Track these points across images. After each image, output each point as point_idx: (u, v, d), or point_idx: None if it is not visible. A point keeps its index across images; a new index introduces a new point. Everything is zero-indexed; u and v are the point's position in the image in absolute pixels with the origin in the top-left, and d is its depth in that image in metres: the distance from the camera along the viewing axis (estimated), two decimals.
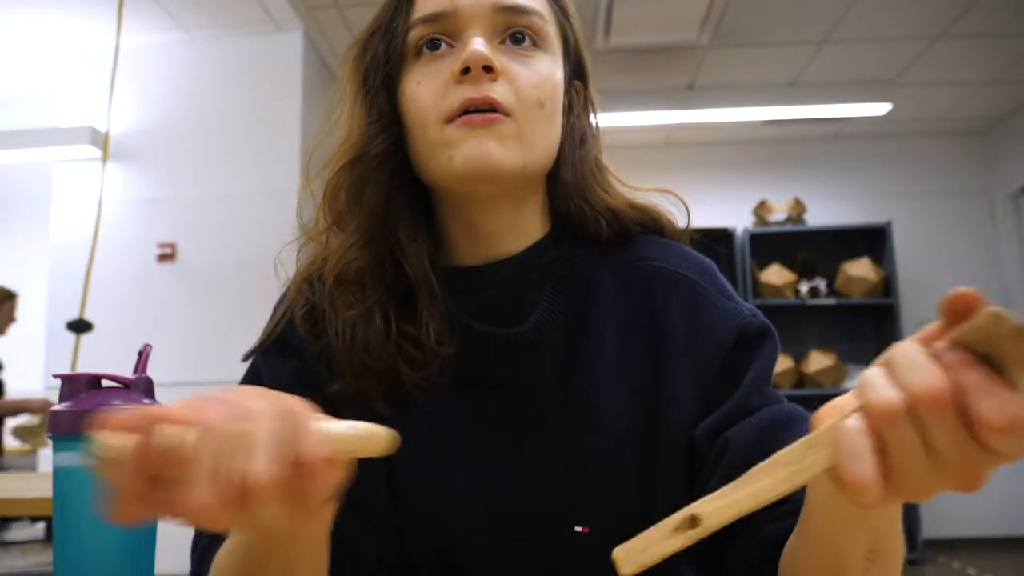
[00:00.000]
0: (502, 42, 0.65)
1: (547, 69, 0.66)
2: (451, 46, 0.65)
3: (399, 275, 0.67)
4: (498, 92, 0.62)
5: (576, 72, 0.74)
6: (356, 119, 0.69)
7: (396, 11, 0.68)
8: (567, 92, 0.71)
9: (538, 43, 0.66)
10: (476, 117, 0.62)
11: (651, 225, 0.75)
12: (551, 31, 0.68)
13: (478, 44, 0.62)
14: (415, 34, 0.66)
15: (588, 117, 0.76)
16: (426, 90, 0.64)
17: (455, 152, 0.62)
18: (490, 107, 0.62)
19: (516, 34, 0.65)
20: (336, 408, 0.67)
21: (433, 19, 0.65)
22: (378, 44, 0.69)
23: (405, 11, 0.67)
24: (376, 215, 0.67)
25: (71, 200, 3.72)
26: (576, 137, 0.72)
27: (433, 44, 0.65)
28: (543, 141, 0.66)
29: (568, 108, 0.71)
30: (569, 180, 0.71)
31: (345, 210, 0.69)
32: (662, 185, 0.76)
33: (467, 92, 0.62)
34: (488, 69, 0.62)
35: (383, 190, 0.67)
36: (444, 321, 0.66)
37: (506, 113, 0.62)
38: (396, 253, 0.67)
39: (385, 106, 0.68)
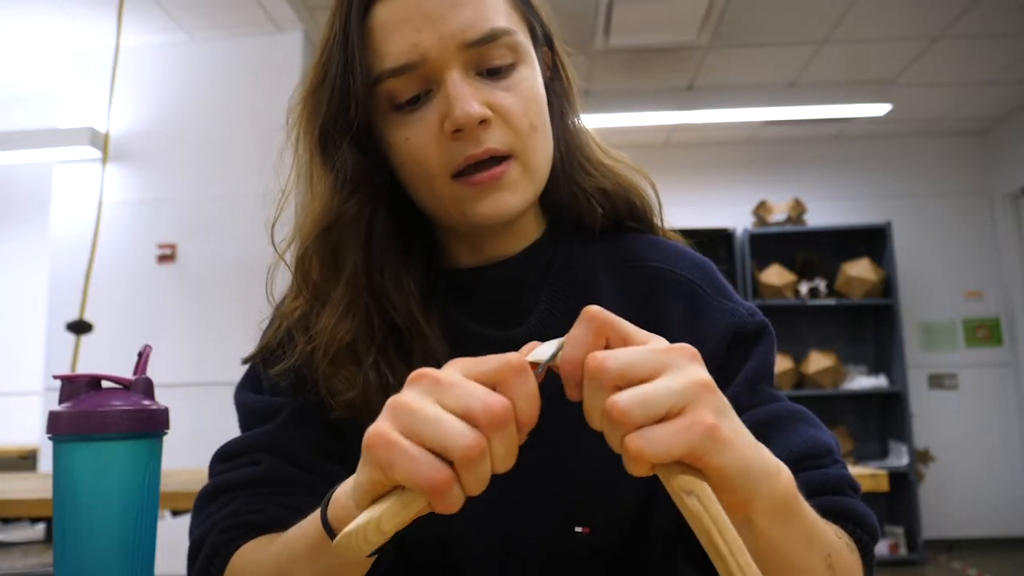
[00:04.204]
0: (479, 73, 0.62)
1: (528, 84, 0.64)
2: (429, 90, 0.62)
3: (391, 325, 0.65)
4: (495, 139, 0.61)
5: (544, 39, 0.70)
6: (320, 183, 0.67)
7: (346, 59, 0.62)
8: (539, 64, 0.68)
9: (514, 61, 0.63)
10: (483, 177, 0.61)
11: (640, 213, 0.75)
12: (521, 38, 0.64)
13: (464, 98, 0.59)
14: (386, 88, 0.62)
15: (560, 80, 0.73)
16: (419, 146, 0.62)
17: (468, 209, 0.62)
18: (491, 156, 0.61)
19: (492, 69, 0.62)
20: (337, 428, 0.67)
21: (402, 70, 0.61)
22: (331, 98, 0.64)
23: (360, 59, 0.62)
24: (356, 277, 0.65)
25: (71, 200, 3.72)
26: (557, 122, 0.71)
27: (412, 99, 0.62)
28: (544, 157, 0.66)
29: (547, 98, 0.68)
30: (559, 170, 0.70)
31: (321, 280, 0.66)
32: (647, 173, 0.76)
33: (467, 148, 0.61)
34: (481, 121, 0.60)
35: (360, 249, 0.65)
36: (443, 348, 0.66)
37: (508, 154, 0.62)
38: (384, 304, 0.65)
39: (353, 164, 0.65)
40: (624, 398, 0.39)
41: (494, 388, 0.42)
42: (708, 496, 0.39)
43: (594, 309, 0.43)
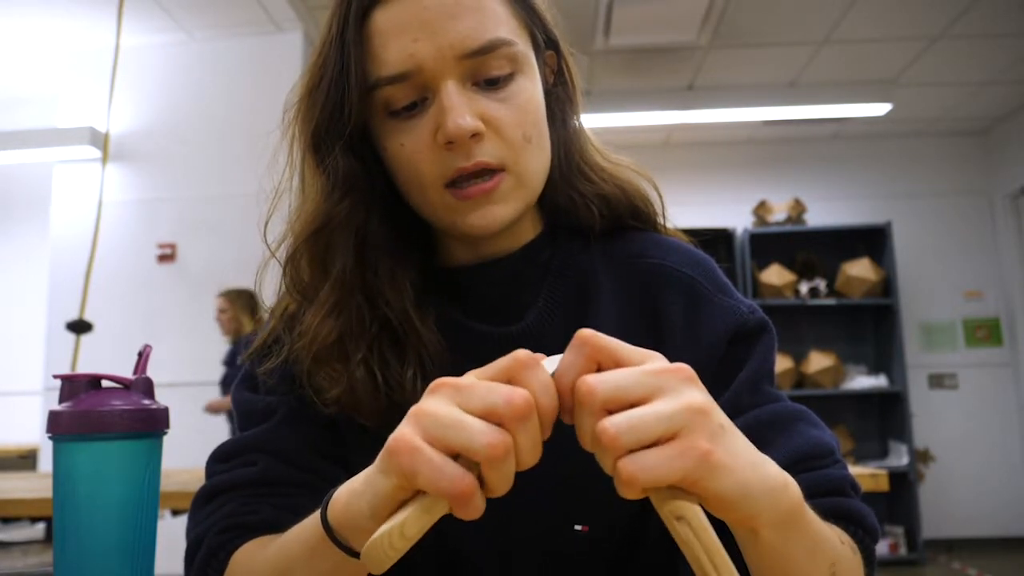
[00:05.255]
0: (476, 83, 0.62)
1: (526, 96, 0.63)
2: (425, 98, 0.61)
3: (385, 322, 0.65)
4: (487, 152, 0.61)
5: (547, 43, 0.69)
6: (312, 185, 0.66)
7: (343, 64, 0.62)
8: (540, 71, 0.67)
9: (512, 71, 0.63)
10: (474, 190, 0.61)
11: (643, 214, 0.75)
12: (520, 48, 0.63)
13: (457, 110, 0.59)
14: (382, 94, 0.61)
15: (564, 84, 0.72)
16: (413, 153, 0.62)
17: (459, 219, 0.62)
18: (483, 169, 0.61)
19: (489, 80, 0.62)
20: (332, 426, 0.67)
21: (398, 79, 0.60)
22: (326, 102, 0.63)
23: (357, 65, 0.61)
24: (344, 278, 0.65)
25: (71, 200, 3.73)
26: (558, 128, 0.70)
27: (409, 105, 0.62)
28: (537, 168, 0.65)
29: (547, 103, 0.68)
30: (557, 175, 0.70)
31: (310, 280, 0.66)
32: (650, 176, 0.75)
33: (458, 161, 0.60)
34: (473, 134, 0.60)
35: (350, 251, 0.65)
36: (437, 344, 0.66)
37: (500, 168, 0.62)
38: (378, 302, 0.65)
39: (345, 168, 0.64)
40: (613, 422, 0.38)
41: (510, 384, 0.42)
42: (699, 521, 0.39)
43: (586, 333, 0.42)
